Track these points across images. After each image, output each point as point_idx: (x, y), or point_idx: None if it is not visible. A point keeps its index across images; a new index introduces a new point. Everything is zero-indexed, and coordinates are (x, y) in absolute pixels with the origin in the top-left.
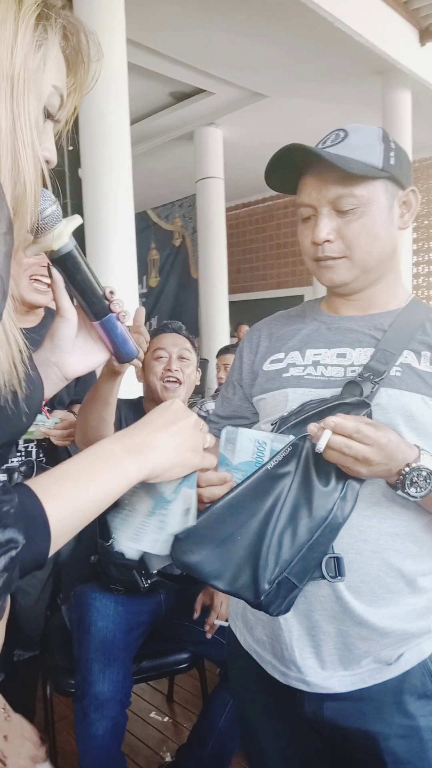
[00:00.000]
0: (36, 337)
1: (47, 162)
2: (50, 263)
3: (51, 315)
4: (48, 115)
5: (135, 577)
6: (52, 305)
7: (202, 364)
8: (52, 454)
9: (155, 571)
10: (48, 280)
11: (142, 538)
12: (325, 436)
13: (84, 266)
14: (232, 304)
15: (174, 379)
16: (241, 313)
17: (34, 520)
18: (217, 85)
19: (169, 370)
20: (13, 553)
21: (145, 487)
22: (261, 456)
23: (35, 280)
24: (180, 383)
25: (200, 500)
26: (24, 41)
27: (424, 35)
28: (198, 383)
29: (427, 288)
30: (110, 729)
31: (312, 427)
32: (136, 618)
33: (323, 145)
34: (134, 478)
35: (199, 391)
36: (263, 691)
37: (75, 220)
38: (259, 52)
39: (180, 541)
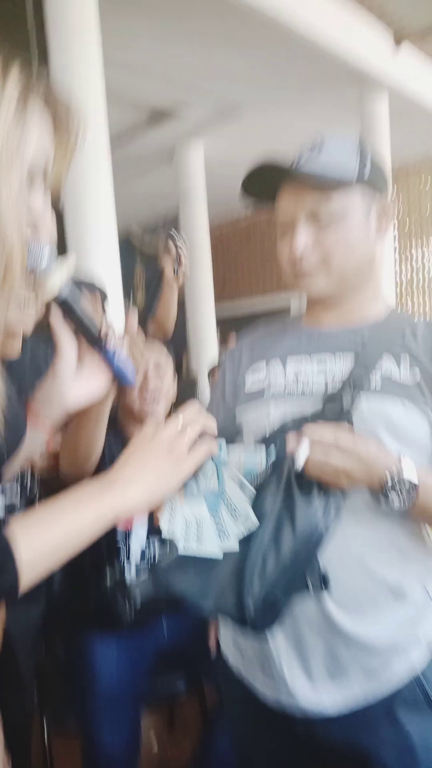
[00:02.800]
0: (19, 367)
1: (36, 220)
2: (50, 304)
3: (29, 341)
4: (34, 180)
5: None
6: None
7: (191, 384)
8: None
9: (140, 602)
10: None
11: (228, 532)
12: (303, 448)
13: (80, 306)
14: (220, 321)
15: (152, 396)
16: (229, 325)
17: (1, 556)
18: (194, 102)
19: (146, 383)
20: None
21: (189, 495)
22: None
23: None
24: (159, 395)
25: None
26: (7, 117)
27: (398, 41)
28: (175, 392)
29: (410, 291)
30: None
31: (291, 443)
32: (140, 654)
33: (299, 157)
34: (108, 517)
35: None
36: (254, 711)
37: (68, 264)
38: (234, 68)
39: (163, 570)
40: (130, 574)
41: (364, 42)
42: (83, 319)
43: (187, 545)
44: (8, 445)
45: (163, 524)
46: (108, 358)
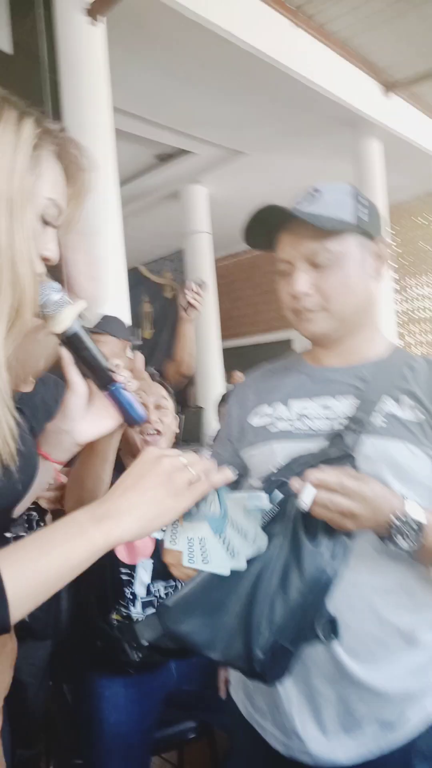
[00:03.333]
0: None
1: (48, 260)
2: (60, 342)
3: (41, 381)
4: (47, 223)
5: (133, 654)
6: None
7: (197, 412)
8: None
9: (146, 643)
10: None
11: (237, 552)
12: (307, 492)
13: (89, 343)
14: (226, 351)
15: (154, 431)
16: (235, 359)
17: None
18: (199, 145)
19: (148, 422)
20: None
21: (189, 518)
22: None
23: None
24: (160, 434)
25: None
26: (20, 167)
27: (388, 89)
28: (177, 431)
29: (409, 323)
30: None
31: (295, 484)
32: (149, 698)
33: (297, 203)
34: (101, 546)
35: (195, 439)
36: (264, 759)
37: (78, 306)
38: (237, 112)
39: (169, 609)
40: (136, 610)
41: (356, 89)
42: (93, 355)
43: (193, 563)
44: (23, 479)
45: (166, 542)
46: (118, 395)
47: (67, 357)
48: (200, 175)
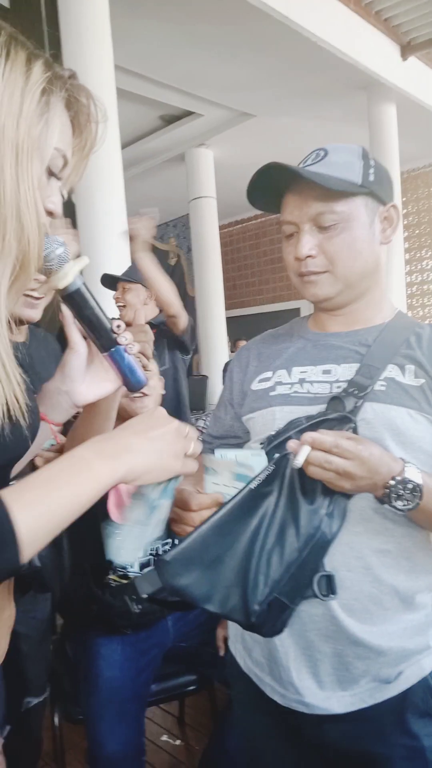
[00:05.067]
0: (27, 353)
1: (52, 214)
2: (61, 300)
3: (32, 332)
4: (52, 174)
5: (135, 613)
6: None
7: (202, 380)
8: None
9: (146, 596)
10: (38, 294)
11: (143, 547)
12: (303, 452)
13: (91, 302)
14: (230, 320)
15: (139, 393)
16: (239, 329)
17: (1, 528)
18: (206, 106)
19: None
20: None
21: (140, 496)
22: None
23: (26, 295)
24: (146, 395)
25: (189, 523)
26: (28, 112)
27: (406, 50)
28: (163, 392)
29: (421, 296)
30: None
31: (291, 444)
32: (144, 656)
33: (304, 164)
34: (106, 482)
35: (200, 407)
36: (264, 713)
37: (82, 261)
38: (245, 73)
39: (168, 564)
40: (133, 570)
41: (373, 51)
42: (96, 315)
43: (108, 526)
44: (31, 431)
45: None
46: (119, 358)
47: (67, 315)
48: (206, 137)
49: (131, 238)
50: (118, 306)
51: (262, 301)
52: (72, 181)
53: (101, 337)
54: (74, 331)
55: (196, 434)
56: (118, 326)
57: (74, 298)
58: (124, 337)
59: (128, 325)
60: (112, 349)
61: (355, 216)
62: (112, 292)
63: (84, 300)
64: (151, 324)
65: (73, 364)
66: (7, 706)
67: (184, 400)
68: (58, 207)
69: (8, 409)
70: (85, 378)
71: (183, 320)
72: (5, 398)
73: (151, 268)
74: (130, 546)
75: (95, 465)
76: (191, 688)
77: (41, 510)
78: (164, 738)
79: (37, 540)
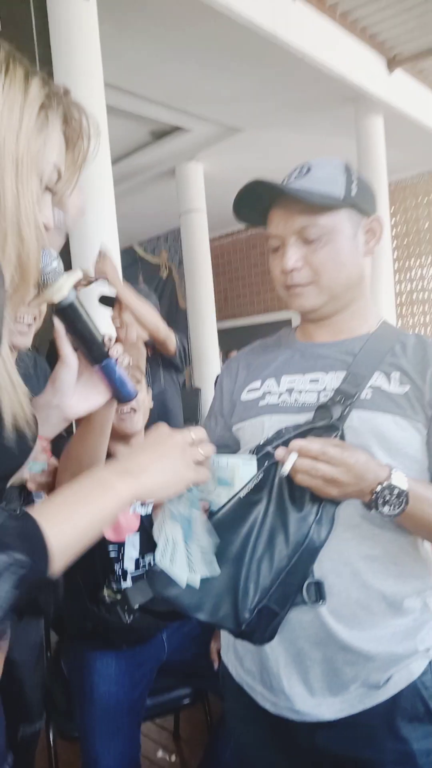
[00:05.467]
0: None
1: (45, 227)
2: (54, 313)
3: (19, 354)
4: (46, 188)
5: (130, 627)
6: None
7: (195, 392)
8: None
9: (137, 606)
10: (29, 321)
11: (195, 567)
12: (290, 459)
13: (84, 316)
14: (222, 332)
15: (128, 409)
16: (231, 340)
17: (35, 542)
18: (195, 121)
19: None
20: (22, 572)
21: (170, 515)
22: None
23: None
24: (135, 410)
25: None
26: (28, 127)
27: (391, 63)
28: (151, 406)
29: (410, 305)
30: None
31: (279, 452)
32: (139, 670)
33: (288, 179)
34: (127, 499)
35: (192, 419)
36: (256, 722)
37: (75, 275)
38: (234, 88)
39: (158, 574)
40: (127, 584)
41: (359, 64)
42: (88, 328)
43: (162, 560)
44: (34, 442)
45: (155, 528)
46: (110, 370)
47: (60, 328)
48: (196, 152)
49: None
50: (115, 325)
51: (253, 313)
52: (65, 196)
53: (93, 350)
54: (66, 344)
55: (204, 434)
56: (110, 339)
57: (68, 312)
58: (116, 350)
59: (119, 341)
60: (104, 362)
61: (338, 229)
62: (110, 311)
63: (77, 313)
64: (146, 343)
65: (64, 377)
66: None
67: (178, 417)
68: (51, 221)
69: (15, 420)
70: (76, 391)
71: (172, 342)
72: (11, 408)
73: (131, 299)
74: (183, 565)
75: (116, 484)
76: (186, 701)
77: (70, 525)
78: (160, 754)
79: (66, 554)
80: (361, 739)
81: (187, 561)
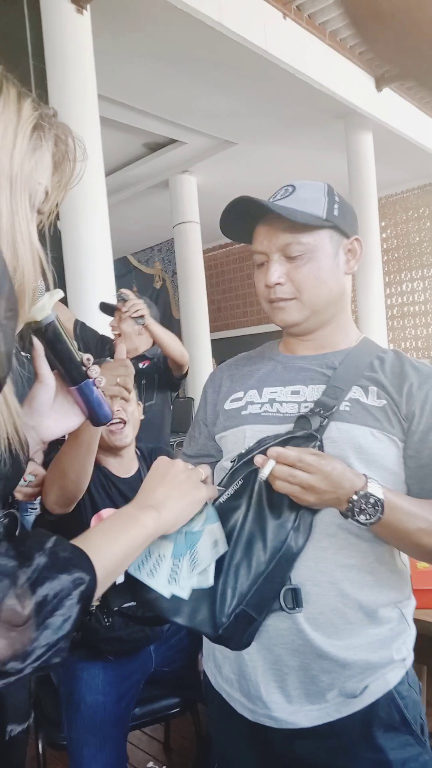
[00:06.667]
0: None
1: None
2: (33, 333)
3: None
4: (34, 208)
5: (124, 643)
6: None
7: (187, 402)
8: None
9: (116, 608)
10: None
11: (180, 579)
12: (268, 465)
13: (63, 335)
14: (215, 342)
15: (118, 420)
16: (224, 350)
17: (86, 564)
18: (189, 134)
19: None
20: (83, 587)
21: (183, 534)
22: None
23: None
24: (124, 423)
25: None
26: (21, 148)
27: (380, 81)
28: (142, 417)
29: (401, 318)
30: None
31: (258, 459)
32: (126, 681)
33: (273, 198)
34: (153, 531)
35: (185, 429)
36: (235, 730)
37: (57, 294)
38: (228, 102)
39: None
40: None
41: (349, 82)
42: (68, 348)
43: (137, 572)
44: (26, 465)
45: None
46: (88, 392)
47: (39, 348)
48: (189, 164)
49: (138, 318)
50: (114, 334)
51: (246, 323)
52: (49, 216)
53: (72, 371)
54: (44, 364)
55: (191, 465)
56: (88, 359)
57: (47, 331)
58: (94, 371)
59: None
60: (82, 383)
61: (320, 247)
62: (110, 320)
63: (57, 333)
64: (144, 356)
65: (41, 398)
66: None
67: (164, 431)
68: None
69: (9, 443)
70: (52, 413)
71: (186, 365)
72: (6, 431)
73: (158, 330)
74: (160, 582)
75: (141, 517)
76: (175, 711)
77: (108, 554)
78: (150, 765)
79: (106, 580)
80: (339, 748)
81: (169, 574)
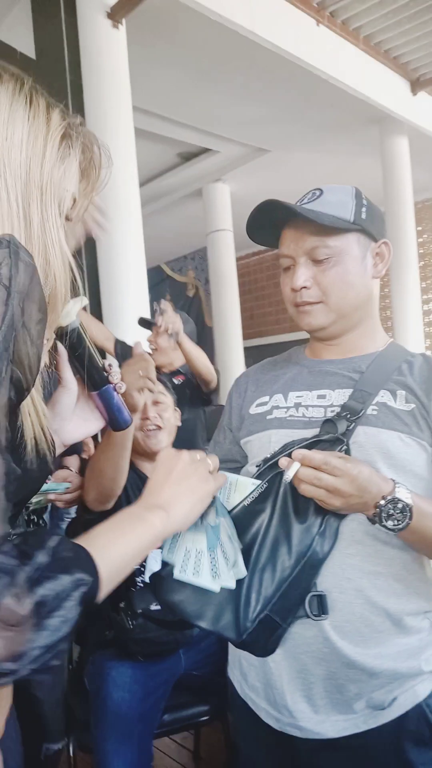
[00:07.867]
0: None
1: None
2: (58, 338)
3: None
4: (63, 216)
5: (153, 645)
6: None
7: (218, 410)
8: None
9: (140, 611)
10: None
11: (220, 572)
12: (293, 467)
13: (86, 341)
14: (248, 350)
15: (154, 427)
16: (257, 358)
17: (90, 565)
18: (222, 143)
19: (147, 418)
20: (84, 589)
21: (194, 526)
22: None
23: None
24: (160, 428)
25: None
26: (51, 156)
27: (415, 85)
28: (179, 424)
29: None
30: None
31: (283, 461)
32: (153, 679)
33: (301, 202)
34: (161, 530)
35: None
36: (260, 739)
37: (81, 301)
38: (260, 110)
39: (163, 580)
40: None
41: (383, 86)
42: (91, 354)
43: (183, 574)
44: (53, 465)
45: (165, 548)
46: (109, 397)
47: (62, 353)
48: (223, 173)
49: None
50: (151, 348)
51: (279, 331)
52: (77, 223)
53: (94, 376)
54: (67, 368)
55: (203, 454)
56: (110, 365)
57: (71, 336)
58: (115, 377)
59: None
60: (103, 388)
61: (347, 251)
62: (147, 334)
63: (80, 339)
64: (179, 371)
65: (64, 402)
66: (26, 754)
67: (196, 445)
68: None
69: (36, 443)
70: (73, 417)
71: (214, 381)
72: (33, 432)
73: (189, 346)
74: (207, 574)
75: (147, 517)
76: (204, 718)
77: (113, 554)
78: None
79: (111, 581)
80: (367, 761)
81: (211, 569)
